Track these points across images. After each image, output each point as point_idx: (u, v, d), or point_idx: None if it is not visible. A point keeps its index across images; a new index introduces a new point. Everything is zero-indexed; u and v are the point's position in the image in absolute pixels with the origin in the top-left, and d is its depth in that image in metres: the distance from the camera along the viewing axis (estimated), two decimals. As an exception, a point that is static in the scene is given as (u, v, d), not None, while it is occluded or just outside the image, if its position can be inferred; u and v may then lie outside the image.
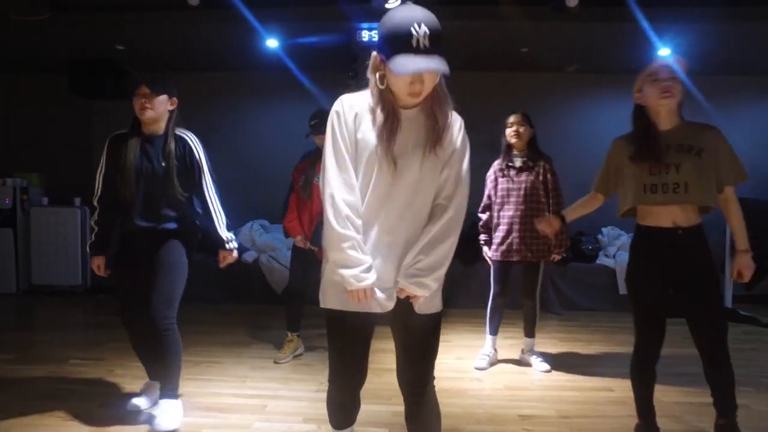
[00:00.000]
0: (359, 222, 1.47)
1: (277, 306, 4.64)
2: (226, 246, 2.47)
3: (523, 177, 3.12)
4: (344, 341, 1.59)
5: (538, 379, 3.07)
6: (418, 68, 1.34)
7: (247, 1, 3.96)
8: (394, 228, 1.49)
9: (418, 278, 1.47)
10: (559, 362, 3.36)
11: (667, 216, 2.03)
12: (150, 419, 2.37)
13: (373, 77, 1.46)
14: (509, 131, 3.16)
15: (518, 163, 3.15)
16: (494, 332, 3.31)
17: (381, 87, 1.44)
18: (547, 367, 3.17)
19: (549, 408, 2.63)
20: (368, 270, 1.45)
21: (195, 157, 2.38)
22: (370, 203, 1.49)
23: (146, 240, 2.35)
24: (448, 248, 1.50)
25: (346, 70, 4.63)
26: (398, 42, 1.34)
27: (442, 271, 1.51)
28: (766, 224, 4.90)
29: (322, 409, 1.79)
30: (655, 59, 2.14)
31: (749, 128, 5.46)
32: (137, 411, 2.47)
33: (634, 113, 2.15)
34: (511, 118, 3.19)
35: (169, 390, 2.35)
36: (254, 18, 4.12)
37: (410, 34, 1.33)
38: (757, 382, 3.00)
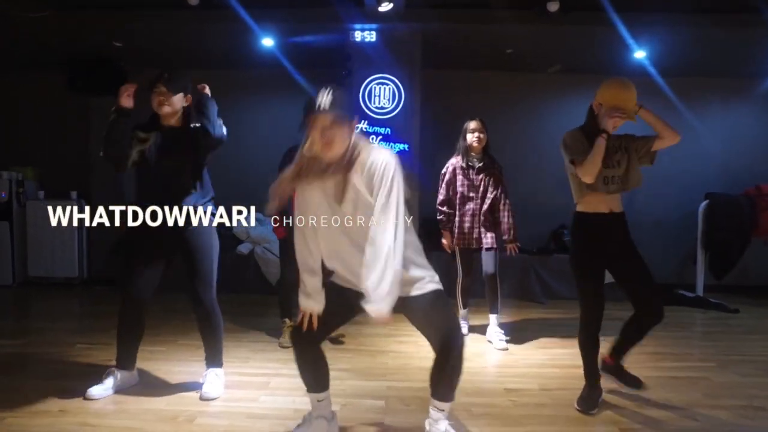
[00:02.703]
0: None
1: (273, 296, 4.81)
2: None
3: (482, 176, 3.59)
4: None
5: (522, 359, 3.30)
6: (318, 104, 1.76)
7: (245, 1, 4.12)
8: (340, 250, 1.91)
9: (368, 303, 1.77)
10: (541, 345, 3.61)
11: (606, 204, 2.45)
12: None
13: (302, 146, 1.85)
14: (472, 136, 3.54)
15: (478, 164, 3.59)
16: (465, 306, 3.83)
17: (307, 154, 1.83)
18: (504, 345, 3.49)
19: (532, 382, 2.87)
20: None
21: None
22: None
23: (167, 223, 2.49)
24: (378, 271, 1.76)
25: (339, 69, 4.82)
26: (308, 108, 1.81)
27: (384, 287, 1.75)
28: (735, 218, 5.23)
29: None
30: (623, 81, 2.45)
31: (719, 128, 5.78)
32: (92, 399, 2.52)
33: (590, 115, 2.51)
34: (473, 125, 3.56)
35: (216, 361, 2.69)
36: (251, 18, 4.27)
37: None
38: (719, 359, 3.28)
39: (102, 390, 2.57)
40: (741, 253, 5.20)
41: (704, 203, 5.22)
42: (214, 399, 2.56)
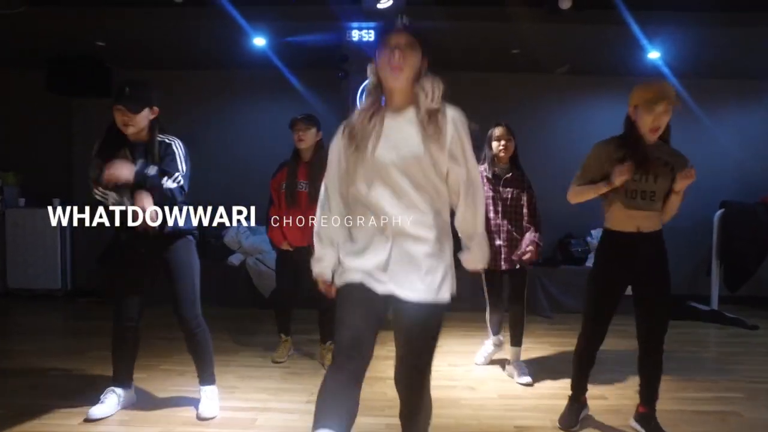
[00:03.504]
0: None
1: (265, 310, 4.56)
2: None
3: (509, 188, 3.16)
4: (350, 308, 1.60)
5: (532, 387, 3.04)
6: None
7: (235, -1, 3.86)
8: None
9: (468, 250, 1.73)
10: (550, 368, 3.34)
11: (633, 222, 2.25)
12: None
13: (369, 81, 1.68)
14: (497, 144, 3.17)
15: (506, 175, 3.18)
16: (496, 332, 3.41)
17: (374, 81, 1.66)
18: (528, 379, 3.09)
19: (544, 418, 2.60)
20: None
21: (174, 154, 2.38)
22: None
23: (141, 241, 2.38)
24: (479, 211, 1.71)
25: (335, 70, 4.55)
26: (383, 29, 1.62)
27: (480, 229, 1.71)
28: (750, 226, 4.98)
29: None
30: (654, 78, 2.28)
31: (735, 131, 5.52)
32: (94, 419, 2.45)
33: (627, 123, 2.30)
34: (498, 132, 3.17)
35: (208, 377, 2.63)
36: (242, 16, 4.02)
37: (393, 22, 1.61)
38: (747, 388, 3.02)
39: (104, 409, 2.50)
40: (757, 264, 4.96)
41: (720, 212, 4.97)
42: (211, 419, 2.52)
